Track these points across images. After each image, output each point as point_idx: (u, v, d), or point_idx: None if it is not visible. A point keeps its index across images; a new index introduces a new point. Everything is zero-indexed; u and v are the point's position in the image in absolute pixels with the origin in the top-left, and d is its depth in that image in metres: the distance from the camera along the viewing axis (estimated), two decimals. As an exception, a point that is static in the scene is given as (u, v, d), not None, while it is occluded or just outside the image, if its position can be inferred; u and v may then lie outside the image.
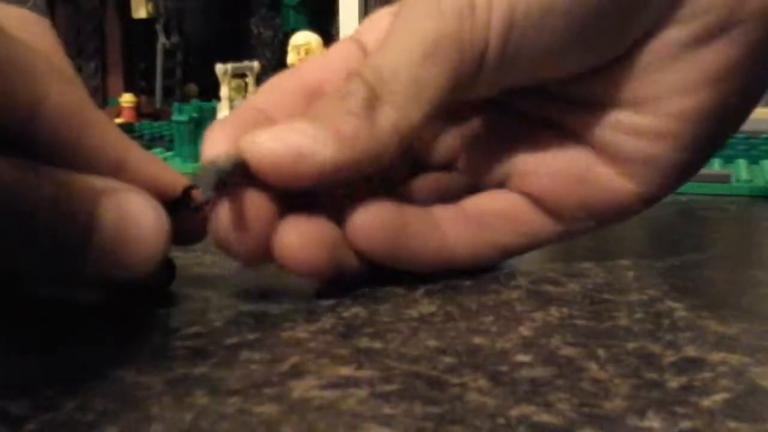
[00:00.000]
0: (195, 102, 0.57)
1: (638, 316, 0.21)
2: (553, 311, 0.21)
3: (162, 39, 0.60)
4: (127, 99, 0.60)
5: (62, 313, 0.21)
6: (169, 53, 0.60)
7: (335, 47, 0.25)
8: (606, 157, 0.23)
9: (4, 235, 0.18)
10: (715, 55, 0.22)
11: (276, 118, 0.23)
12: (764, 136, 0.48)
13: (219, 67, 0.54)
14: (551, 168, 0.24)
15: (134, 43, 0.61)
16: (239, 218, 0.21)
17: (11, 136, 0.19)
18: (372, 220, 0.22)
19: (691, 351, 0.18)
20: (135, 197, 0.20)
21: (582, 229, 0.24)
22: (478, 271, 0.24)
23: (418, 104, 0.21)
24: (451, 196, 0.24)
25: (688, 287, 0.23)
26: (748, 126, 0.50)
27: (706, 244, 0.28)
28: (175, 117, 0.50)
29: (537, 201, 0.24)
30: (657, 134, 0.22)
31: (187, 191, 0.21)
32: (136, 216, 0.20)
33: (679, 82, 0.22)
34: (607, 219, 0.24)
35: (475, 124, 0.25)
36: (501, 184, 0.25)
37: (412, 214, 0.23)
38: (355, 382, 0.17)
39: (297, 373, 0.17)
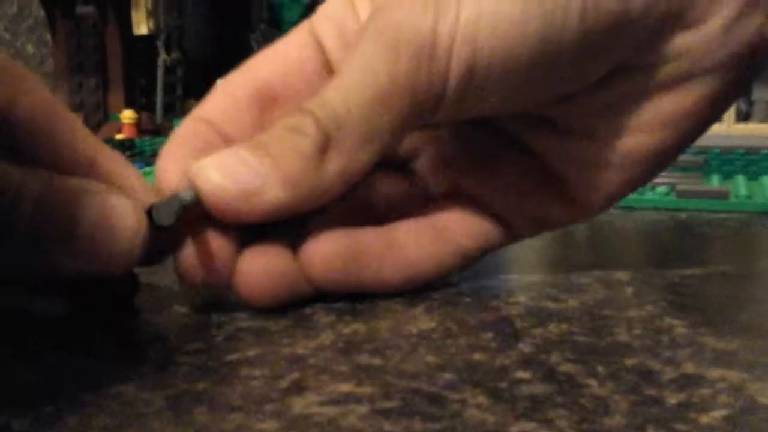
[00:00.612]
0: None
1: (637, 332, 0.21)
2: (553, 327, 0.21)
3: (163, 55, 0.60)
4: (127, 115, 0.60)
5: (62, 328, 0.21)
6: (169, 69, 0.61)
7: (289, 40, 0.24)
8: (555, 176, 0.24)
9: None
10: (673, 102, 0.22)
11: (228, 131, 0.23)
12: (764, 152, 0.48)
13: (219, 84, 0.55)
14: (503, 180, 0.24)
15: (135, 60, 0.61)
16: (201, 257, 0.22)
17: None
18: (324, 252, 0.22)
19: (690, 367, 0.18)
20: (116, 197, 0.20)
21: (528, 235, 0.25)
22: (478, 288, 0.24)
23: (369, 148, 0.21)
24: (407, 200, 0.25)
25: (687, 303, 0.23)
26: (747, 142, 0.50)
27: (705, 261, 0.28)
28: (176, 133, 0.51)
29: (487, 208, 0.24)
30: (605, 165, 0.23)
31: (149, 211, 0.21)
32: (116, 213, 0.20)
33: (635, 122, 0.23)
34: (551, 228, 0.25)
35: (434, 128, 0.25)
36: (454, 189, 0.25)
37: (366, 238, 0.23)
38: (355, 399, 0.17)
39: (297, 389, 0.17)
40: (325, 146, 0.21)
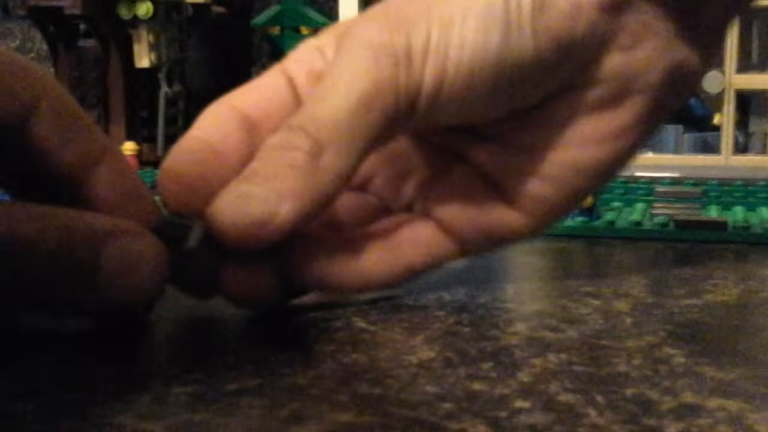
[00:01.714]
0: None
1: (636, 362, 0.21)
2: (552, 357, 0.21)
3: (164, 88, 0.61)
4: (129, 147, 0.60)
5: (62, 359, 0.21)
6: (171, 102, 0.61)
7: (262, 80, 0.25)
8: (503, 190, 0.26)
9: (11, 276, 0.19)
10: (610, 119, 0.25)
11: (224, 153, 0.24)
12: (761, 183, 0.48)
13: (220, 116, 0.55)
14: (455, 197, 0.26)
15: (136, 92, 0.62)
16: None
17: (10, 133, 0.21)
18: (309, 263, 0.24)
19: (689, 397, 0.18)
20: (139, 240, 0.21)
21: (478, 251, 0.27)
22: (477, 318, 0.24)
23: (357, 148, 0.23)
24: (364, 216, 0.27)
25: (686, 333, 0.23)
26: (744, 173, 0.50)
27: (704, 291, 0.28)
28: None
29: (440, 225, 0.26)
30: (547, 177, 0.25)
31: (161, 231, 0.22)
32: (138, 260, 0.21)
33: (576, 137, 0.25)
34: (500, 244, 0.27)
35: (389, 151, 0.27)
36: (409, 207, 0.27)
37: (334, 248, 0.25)
38: (356, 429, 0.17)
39: (297, 419, 0.17)
40: (317, 152, 0.22)
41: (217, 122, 0.24)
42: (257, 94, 0.25)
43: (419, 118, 0.24)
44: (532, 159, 0.25)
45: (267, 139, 0.23)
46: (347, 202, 0.27)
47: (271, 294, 0.24)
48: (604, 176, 0.26)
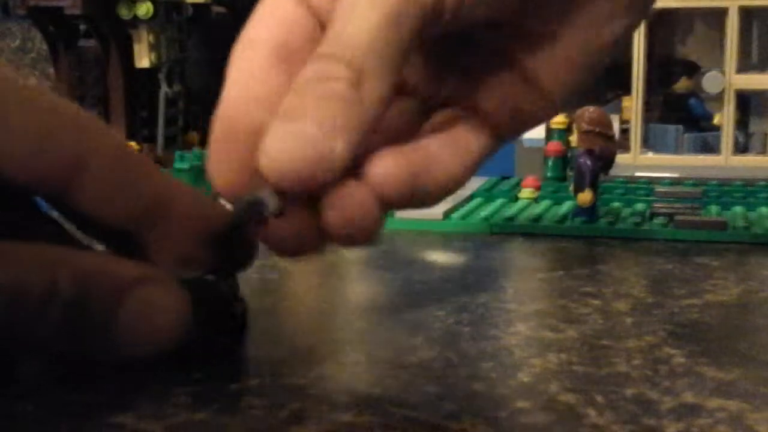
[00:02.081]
0: (196, 150, 0.57)
1: (636, 362, 0.21)
2: (552, 357, 0.21)
3: (164, 88, 0.61)
4: (128, 147, 0.60)
5: (62, 360, 0.21)
6: (171, 102, 0.61)
7: (271, 9, 0.24)
8: (532, 79, 0.26)
9: (17, 328, 0.19)
10: (609, 2, 0.26)
11: (271, 99, 0.23)
12: (761, 183, 0.48)
13: (220, 116, 0.55)
14: (493, 91, 0.26)
15: (136, 92, 0.62)
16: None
17: (58, 191, 0.20)
18: (392, 169, 0.23)
19: (689, 397, 0.18)
20: (157, 291, 0.21)
21: (511, 135, 0.27)
22: (477, 318, 0.24)
23: (393, 67, 0.22)
24: (408, 119, 0.26)
25: (686, 333, 0.23)
26: (744, 173, 0.50)
27: (704, 291, 0.28)
28: (177, 165, 0.51)
29: (483, 119, 0.26)
30: (572, 61, 0.26)
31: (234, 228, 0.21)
32: (156, 309, 0.20)
33: (594, 17, 0.26)
34: (528, 127, 0.27)
35: (422, 51, 0.26)
36: (446, 104, 0.26)
37: (415, 152, 0.24)
38: (356, 429, 0.17)
39: (297, 419, 0.17)
40: (358, 79, 0.22)
41: (251, 70, 0.24)
42: (275, 21, 0.24)
43: (443, 26, 0.23)
44: (557, 46, 0.26)
45: (301, 71, 0.22)
46: (389, 111, 0.25)
47: (372, 216, 0.22)
48: (613, 53, 0.28)
